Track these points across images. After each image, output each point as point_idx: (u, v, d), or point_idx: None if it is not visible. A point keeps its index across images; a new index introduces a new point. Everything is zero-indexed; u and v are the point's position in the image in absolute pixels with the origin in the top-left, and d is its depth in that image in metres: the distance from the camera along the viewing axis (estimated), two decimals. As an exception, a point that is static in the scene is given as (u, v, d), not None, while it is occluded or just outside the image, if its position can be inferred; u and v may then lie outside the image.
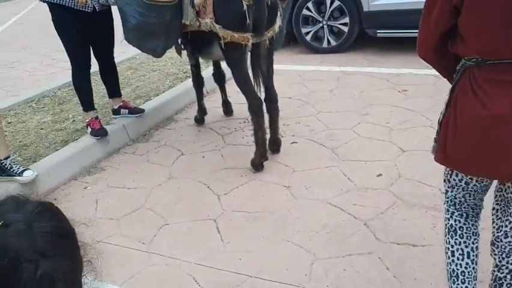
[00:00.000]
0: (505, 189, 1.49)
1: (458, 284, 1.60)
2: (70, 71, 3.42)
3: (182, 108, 4.19)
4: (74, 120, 3.84)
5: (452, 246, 1.62)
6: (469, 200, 1.59)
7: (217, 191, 2.83)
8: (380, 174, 2.82)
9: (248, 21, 2.63)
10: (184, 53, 3.47)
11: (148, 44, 3.06)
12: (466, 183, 1.54)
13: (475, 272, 1.61)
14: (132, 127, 3.69)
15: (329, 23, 5.23)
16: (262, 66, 2.88)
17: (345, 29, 5.17)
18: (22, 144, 3.46)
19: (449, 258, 1.63)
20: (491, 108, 1.31)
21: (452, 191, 1.62)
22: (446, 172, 1.60)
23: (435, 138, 1.55)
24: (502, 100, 1.29)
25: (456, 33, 1.37)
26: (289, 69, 4.84)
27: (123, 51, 5.20)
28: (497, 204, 1.55)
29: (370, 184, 2.74)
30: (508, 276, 1.51)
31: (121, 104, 3.72)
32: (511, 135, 1.31)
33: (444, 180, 1.63)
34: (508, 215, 1.49)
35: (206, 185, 2.91)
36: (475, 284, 1.61)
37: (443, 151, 1.48)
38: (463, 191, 1.57)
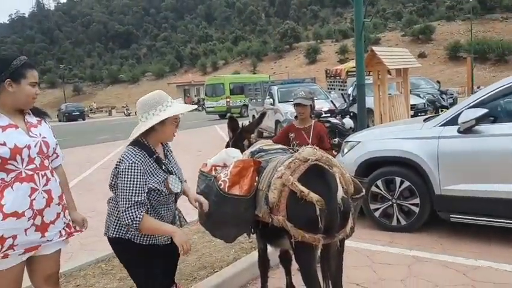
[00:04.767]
0: None
1: None
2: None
3: (244, 285, 4.11)
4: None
5: None
6: None
7: None
8: None
9: (320, 224, 2.66)
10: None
11: (220, 231, 3.17)
12: None
13: None
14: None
15: (398, 202, 5.14)
16: (332, 266, 2.82)
17: (416, 209, 5.03)
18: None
19: None
20: None
21: None
22: None
23: None
24: None
25: None
26: (357, 247, 4.70)
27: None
28: None
29: None
30: None
31: None
32: None
33: None
34: None
35: None
36: None
37: None
38: None
